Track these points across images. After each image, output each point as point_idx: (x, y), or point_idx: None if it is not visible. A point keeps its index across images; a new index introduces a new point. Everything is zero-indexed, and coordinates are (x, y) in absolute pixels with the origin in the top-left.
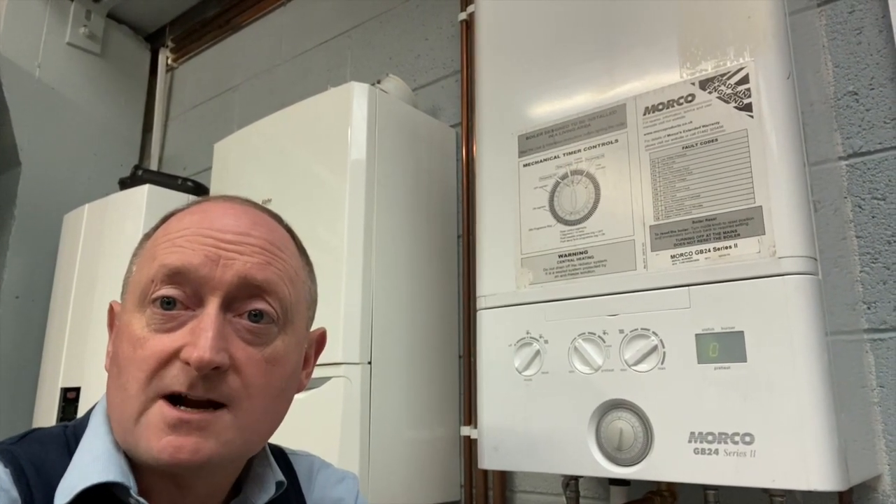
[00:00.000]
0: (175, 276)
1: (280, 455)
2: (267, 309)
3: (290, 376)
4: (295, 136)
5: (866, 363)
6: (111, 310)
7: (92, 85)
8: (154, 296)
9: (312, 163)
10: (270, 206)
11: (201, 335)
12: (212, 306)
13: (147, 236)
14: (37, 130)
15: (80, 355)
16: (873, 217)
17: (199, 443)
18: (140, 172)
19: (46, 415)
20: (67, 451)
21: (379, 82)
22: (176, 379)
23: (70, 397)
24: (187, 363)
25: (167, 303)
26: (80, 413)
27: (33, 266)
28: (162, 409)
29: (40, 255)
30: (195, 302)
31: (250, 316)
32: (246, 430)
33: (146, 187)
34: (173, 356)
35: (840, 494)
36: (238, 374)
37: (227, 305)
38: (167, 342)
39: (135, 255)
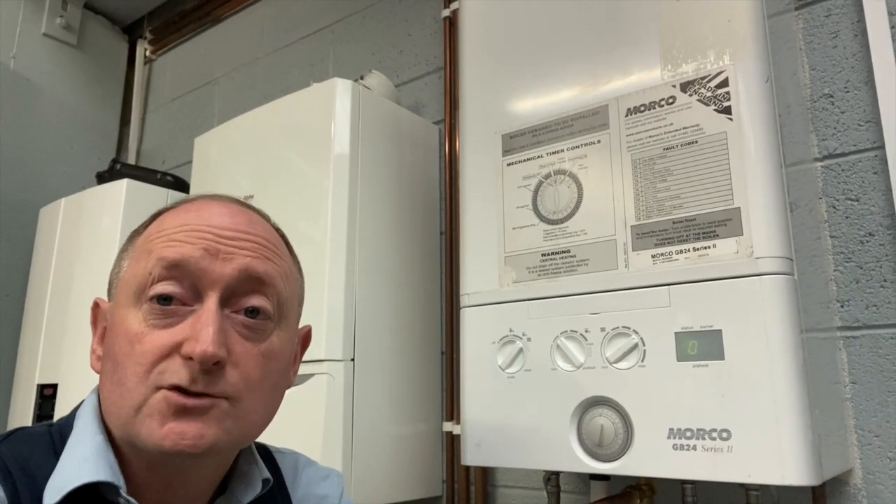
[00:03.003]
0: (173, 268)
1: (265, 453)
2: (264, 305)
3: (283, 371)
4: (277, 131)
5: (839, 360)
6: (96, 307)
7: (68, 77)
8: (152, 291)
9: (295, 159)
10: (253, 202)
11: (203, 329)
12: (211, 301)
13: (136, 233)
14: (11, 122)
15: (57, 351)
16: (847, 217)
17: (202, 428)
18: (118, 166)
19: (22, 412)
20: (53, 450)
21: (362, 78)
22: (177, 373)
23: (47, 394)
24: (189, 358)
25: (165, 299)
26: (58, 410)
27: (8, 261)
28: (165, 396)
29: (15, 249)
30: (193, 297)
31: (247, 312)
32: (243, 421)
33: (125, 182)
34: (173, 350)
35: (813, 488)
36: (236, 369)
37: (226, 301)
38: (166, 337)
39: (124, 251)
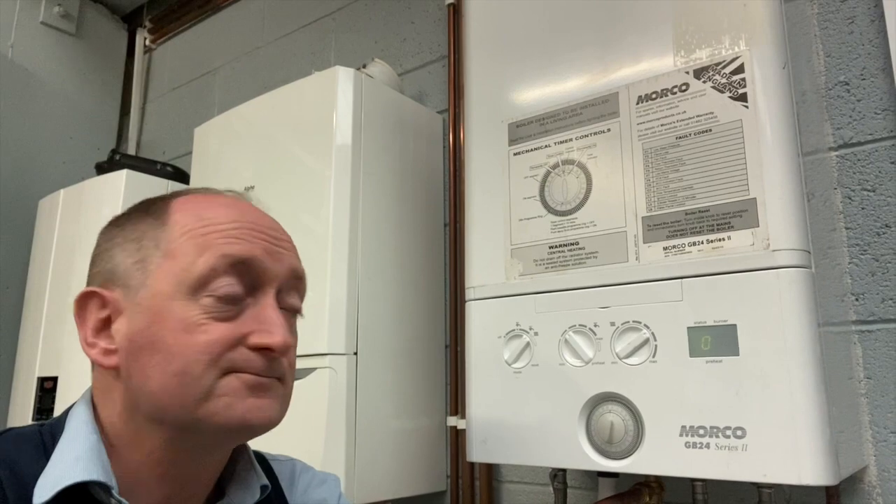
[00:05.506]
0: (239, 265)
1: (261, 460)
2: (298, 301)
3: None
4: (278, 120)
5: (854, 355)
6: (93, 295)
7: (67, 66)
8: (217, 287)
9: (296, 148)
10: (253, 193)
11: (275, 323)
12: (271, 296)
13: (155, 221)
14: (9, 112)
15: (58, 344)
16: (863, 208)
17: (271, 404)
18: (118, 157)
19: (23, 405)
20: (43, 450)
21: (364, 67)
22: (250, 363)
23: (47, 387)
24: (266, 348)
25: (231, 294)
26: (58, 403)
27: (7, 253)
28: (240, 377)
29: (14, 240)
30: (248, 291)
31: (287, 305)
32: (287, 401)
33: (124, 172)
34: (238, 342)
35: (827, 486)
36: (285, 357)
37: (275, 295)
38: (232, 329)
39: (141, 237)
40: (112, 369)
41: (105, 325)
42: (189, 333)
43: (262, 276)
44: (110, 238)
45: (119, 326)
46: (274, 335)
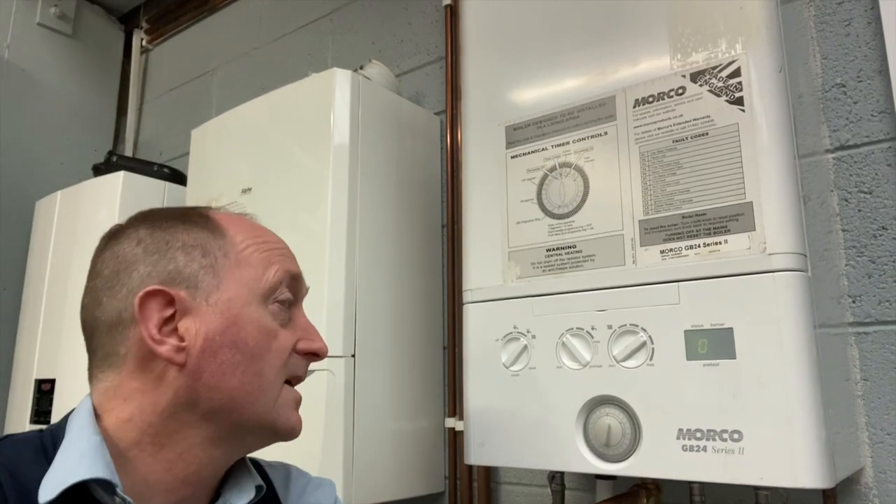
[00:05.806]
0: (294, 279)
1: (255, 465)
2: None
3: None
4: (276, 122)
5: (850, 357)
6: (166, 296)
7: (64, 67)
8: (283, 297)
9: (294, 150)
10: (251, 195)
11: (315, 330)
12: (302, 307)
13: (209, 235)
14: (6, 114)
15: (55, 346)
16: (859, 211)
17: None
18: (114, 158)
19: (20, 407)
20: (45, 455)
21: (361, 68)
22: (300, 367)
23: (45, 389)
24: (313, 353)
25: (289, 300)
26: (55, 405)
27: (4, 254)
28: (291, 391)
29: (12, 242)
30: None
31: None
32: None
33: (121, 174)
34: (293, 348)
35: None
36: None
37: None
38: (289, 336)
39: (205, 247)
40: (177, 366)
41: (168, 322)
42: (268, 339)
43: (299, 290)
44: (163, 241)
45: (188, 325)
46: (318, 341)
